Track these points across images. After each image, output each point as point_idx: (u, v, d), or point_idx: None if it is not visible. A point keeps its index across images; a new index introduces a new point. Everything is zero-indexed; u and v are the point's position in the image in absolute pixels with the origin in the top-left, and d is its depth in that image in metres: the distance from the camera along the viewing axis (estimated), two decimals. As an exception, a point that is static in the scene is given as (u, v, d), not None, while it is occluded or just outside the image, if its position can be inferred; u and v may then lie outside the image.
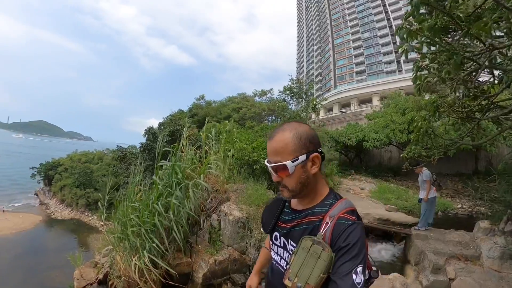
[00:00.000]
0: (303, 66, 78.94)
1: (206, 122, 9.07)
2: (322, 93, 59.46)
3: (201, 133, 7.63)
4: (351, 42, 61.01)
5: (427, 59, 2.94)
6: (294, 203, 1.16)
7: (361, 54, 58.88)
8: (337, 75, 61.38)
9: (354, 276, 0.86)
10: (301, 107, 18.73)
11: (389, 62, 54.65)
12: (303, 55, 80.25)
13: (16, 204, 31.84)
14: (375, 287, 3.83)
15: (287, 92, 18.65)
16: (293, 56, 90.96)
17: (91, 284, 4.52)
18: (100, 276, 4.40)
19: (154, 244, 3.93)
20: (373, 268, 1.14)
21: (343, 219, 0.97)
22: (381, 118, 14.93)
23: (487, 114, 3.56)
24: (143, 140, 17.98)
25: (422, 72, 3.04)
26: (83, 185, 29.19)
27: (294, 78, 18.61)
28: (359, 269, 0.88)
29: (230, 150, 6.96)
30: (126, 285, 3.96)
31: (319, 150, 1.05)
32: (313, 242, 0.95)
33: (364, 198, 9.89)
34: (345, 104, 48.37)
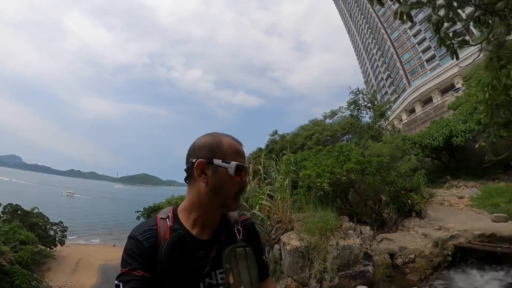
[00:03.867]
0: (369, 73, 74.06)
1: (262, 158, 9.44)
2: (398, 95, 53.96)
3: (259, 167, 8.07)
4: (408, 30, 53.87)
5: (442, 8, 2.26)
6: (198, 231, 0.99)
7: (424, 39, 50.87)
8: (407, 71, 54.97)
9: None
10: (369, 117, 17.55)
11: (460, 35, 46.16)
12: (365, 62, 75.73)
13: (123, 240, 39.16)
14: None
15: (352, 106, 17.73)
16: (356, 66, 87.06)
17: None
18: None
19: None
20: None
21: (245, 219, 1.15)
22: (466, 103, 12.45)
23: None
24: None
25: (444, 26, 2.40)
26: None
27: (355, 89, 17.71)
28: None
29: (286, 180, 7.05)
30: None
31: None
32: (237, 247, 1.00)
33: (463, 209, 8.16)
34: (426, 100, 42.74)
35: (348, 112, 18.57)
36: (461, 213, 7.70)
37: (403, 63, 55.66)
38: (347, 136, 18.07)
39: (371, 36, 67.16)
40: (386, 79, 62.87)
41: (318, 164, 7.78)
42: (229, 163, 0.94)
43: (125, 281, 0.84)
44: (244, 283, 0.96)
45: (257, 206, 6.56)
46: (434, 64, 47.96)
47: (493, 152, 4.23)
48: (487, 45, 2.39)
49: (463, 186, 10.65)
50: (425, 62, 50.76)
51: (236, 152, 0.99)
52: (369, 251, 5.83)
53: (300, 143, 19.53)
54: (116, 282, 0.85)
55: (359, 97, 17.45)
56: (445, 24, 2.37)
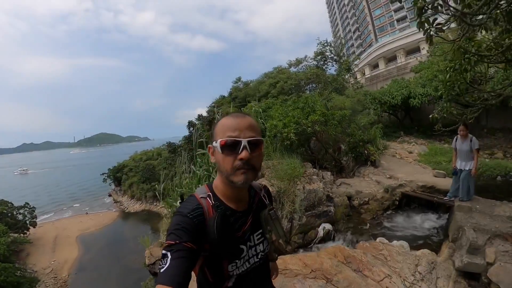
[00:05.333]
0: (337, 24, 72.67)
1: (232, 108, 9.58)
2: (364, 49, 54.61)
3: None
4: (385, -14, 52.47)
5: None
6: (235, 205, 1.12)
7: (399, -2, 51.25)
8: (376, 27, 55.06)
9: None
10: (335, 70, 17.85)
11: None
12: (335, 11, 73.62)
13: (95, 207, 37.54)
14: (397, 262, 3.74)
15: (319, 57, 17.83)
16: (324, 14, 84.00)
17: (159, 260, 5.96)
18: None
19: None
20: None
21: (265, 188, 1.34)
22: (428, 69, 13.32)
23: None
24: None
25: (428, 14, 2.53)
26: (148, 180, 32.55)
27: (323, 41, 17.74)
28: None
29: None
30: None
31: None
32: (269, 210, 1.21)
33: (411, 162, 9.31)
34: (391, 58, 43.97)
35: (314, 63, 18.60)
36: (409, 166, 8.83)
37: (374, 18, 55.37)
38: (310, 86, 18.04)
39: (346, -16, 64.64)
40: (354, 32, 62.60)
41: (284, 115, 8.09)
42: (216, 142, 1.01)
43: (174, 250, 0.90)
44: (281, 237, 1.23)
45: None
46: (404, 25, 48.33)
47: (443, 123, 5.04)
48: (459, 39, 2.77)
49: (413, 143, 11.90)
50: (395, 21, 51.04)
51: (225, 129, 1.01)
52: (330, 194, 6.56)
53: (265, 91, 18.99)
54: (163, 251, 0.91)
55: (327, 49, 17.61)
56: (429, 11, 2.64)
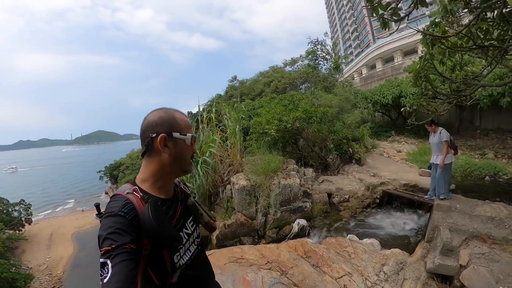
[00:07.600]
0: (336, 24, 72.77)
1: (214, 103, 9.59)
2: (361, 50, 54.63)
3: (211, 115, 8.43)
4: (383, -12, 53.73)
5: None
6: (164, 194, 1.12)
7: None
8: (374, 28, 55.15)
9: None
10: (325, 69, 17.93)
11: (431, 3, 46.98)
12: (334, 12, 73.72)
13: (91, 205, 37.62)
14: (361, 260, 3.60)
15: (310, 56, 17.86)
16: (323, 15, 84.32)
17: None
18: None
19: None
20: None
21: (182, 180, 1.39)
22: (421, 68, 13.16)
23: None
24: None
25: None
26: (144, 178, 32.87)
27: (314, 40, 17.84)
28: None
29: (236, 126, 7.59)
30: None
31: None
32: (194, 197, 1.30)
33: (398, 161, 9.20)
34: (388, 59, 43.66)
35: (306, 61, 18.78)
36: (395, 165, 8.71)
37: (372, 19, 55.59)
38: (306, 85, 18.07)
39: (345, -15, 64.74)
40: (352, 32, 62.78)
41: (270, 112, 8.08)
42: (185, 135, 1.09)
43: (113, 256, 0.83)
44: (210, 217, 1.33)
45: (207, 153, 6.98)
46: (402, 26, 48.69)
47: (416, 117, 4.95)
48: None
49: (403, 142, 11.81)
50: (393, 23, 51.50)
51: (188, 125, 1.14)
52: (308, 190, 6.53)
53: (259, 90, 19.09)
54: (101, 260, 0.84)
55: (318, 48, 17.74)
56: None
